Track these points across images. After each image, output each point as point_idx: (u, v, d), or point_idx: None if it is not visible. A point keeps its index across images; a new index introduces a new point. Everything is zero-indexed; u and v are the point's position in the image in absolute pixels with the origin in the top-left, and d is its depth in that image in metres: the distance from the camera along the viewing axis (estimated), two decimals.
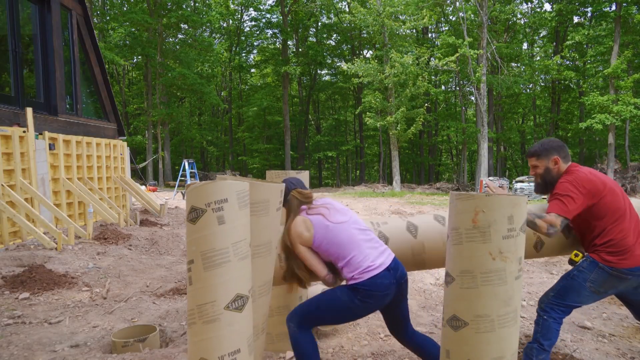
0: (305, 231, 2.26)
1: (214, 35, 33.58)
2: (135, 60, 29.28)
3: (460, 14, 22.26)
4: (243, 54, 35.00)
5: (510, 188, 19.24)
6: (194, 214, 1.78)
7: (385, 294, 2.19)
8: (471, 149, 32.47)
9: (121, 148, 9.75)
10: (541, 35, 29.14)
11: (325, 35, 34.41)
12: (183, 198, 15.39)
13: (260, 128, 35.10)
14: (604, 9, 21.37)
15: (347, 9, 30.65)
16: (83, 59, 8.97)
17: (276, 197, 2.13)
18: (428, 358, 2.40)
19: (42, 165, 6.91)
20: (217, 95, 31.76)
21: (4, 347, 2.96)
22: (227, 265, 1.77)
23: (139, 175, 22.39)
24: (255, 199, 2.02)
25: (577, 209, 2.35)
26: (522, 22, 26.85)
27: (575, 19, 26.66)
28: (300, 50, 32.44)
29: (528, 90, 30.20)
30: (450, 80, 32.32)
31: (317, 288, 3.33)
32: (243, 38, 34.05)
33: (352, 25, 26.61)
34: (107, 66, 25.55)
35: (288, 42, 31.28)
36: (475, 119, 28.00)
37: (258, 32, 33.03)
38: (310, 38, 34.34)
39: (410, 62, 20.47)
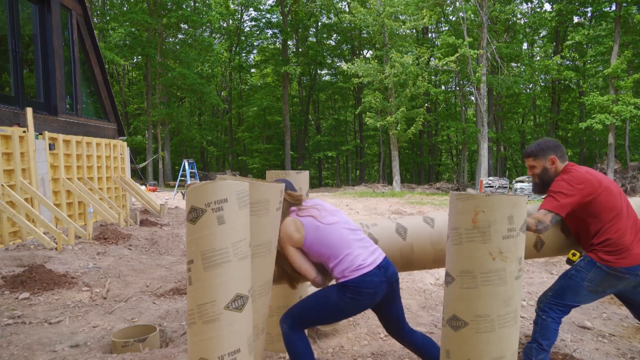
0: (295, 232, 2.26)
1: (214, 35, 33.59)
2: (135, 60, 29.28)
3: (460, 14, 22.27)
4: (243, 54, 35.02)
5: (510, 188, 19.24)
6: (194, 214, 1.78)
7: (375, 292, 2.19)
8: (471, 149, 32.48)
9: (121, 148, 9.75)
10: (541, 35, 29.15)
11: (325, 35, 34.42)
12: (183, 198, 15.39)
13: (260, 128, 35.11)
14: (604, 9, 21.38)
15: (347, 9, 30.65)
16: (83, 59, 8.97)
17: (276, 197, 2.13)
18: (427, 358, 2.40)
19: (42, 165, 6.91)
20: (217, 95, 31.76)
21: (4, 347, 2.96)
22: (227, 265, 1.77)
23: (139, 175, 22.39)
24: (255, 198, 2.02)
25: (569, 204, 2.36)
26: (522, 22, 26.87)
27: (575, 19, 26.69)
28: (300, 50, 32.44)
29: (528, 90, 30.21)
30: (450, 80, 32.33)
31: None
32: (243, 38, 34.06)
33: (352, 25, 26.61)
34: (107, 66, 25.55)
35: (288, 42, 31.30)
36: (475, 119, 28.00)
37: (258, 32, 33.05)
38: (310, 38, 34.36)
39: (410, 62, 20.47)
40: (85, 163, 8.16)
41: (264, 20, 32.15)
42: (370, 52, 30.71)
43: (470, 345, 1.99)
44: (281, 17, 29.67)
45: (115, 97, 20.37)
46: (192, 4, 29.54)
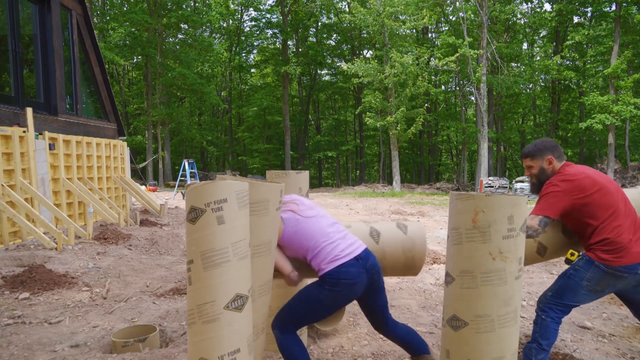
0: None
1: (214, 35, 33.59)
2: (135, 60, 29.29)
3: (460, 14, 22.26)
4: (243, 54, 35.02)
5: (510, 188, 19.24)
6: (194, 214, 1.78)
7: (353, 282, 2.18)
8: (471, 149, 32.48)
9: (121, 148, 9.75)
10: (541, 35, 29.15)
11: (325, 35, 34.42)
12: (183, 198, 15.39)
13: (260, 128, 35.12)
14: (604, 9, 21.39)
15: (347, 9, 30.65)
16: (83, 59, 8.97)
17: (276, 196, 2.13)
18: (410, 348, 2.45)
19: (42, 165, 6.91)
20: (217, 95, 31.76)
21: (4, 347, 2.96)
22: (227, 265, 1.77)
23: (139, 175, 22.39)
24: (254, 198, 2.02)
25: (557, 205, 2.37)
26: (522, 22, 26.87)
27: (575, 19, 26.69)
28: (300, 50, 32.44)
29: (528, 90, 30.21)
30: (450, 80, 32.33)
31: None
32: (243, 38, 34.06)
33: (352, 25, 26.61)
34: (107, 66, 25.56)
35: (288, 42, 31.30)
36: (475, 119, 28.01)
37: (258, 32, 33.05)
38: (310, 38, 34.35)
39: (410, 62, 20.47)
40: (85, 163, 8.16)
41: (264, 20, 32.17)
42: (370, 52, 30.72)
43: (470, 345, 1.99)
44: (281, 17, 29.67)
45: (115, 97, 20.38)
46: (192, 4, 29.54)
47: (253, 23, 33.26)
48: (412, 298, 4.26)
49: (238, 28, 34.05)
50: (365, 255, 2.27)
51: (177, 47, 28.06)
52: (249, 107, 32.41)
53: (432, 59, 24.67)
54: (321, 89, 35.31)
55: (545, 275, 5.25)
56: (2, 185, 5.87)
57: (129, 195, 9.92)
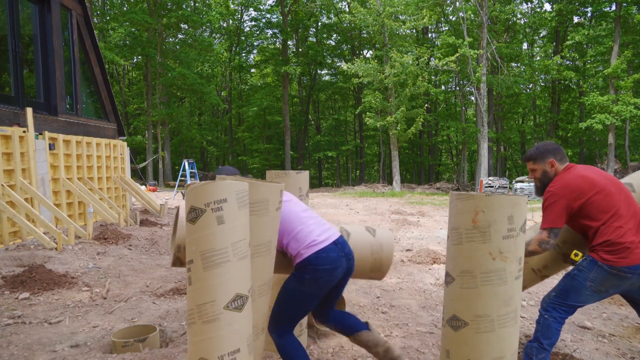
0: None
1: (214, 35, 33.59)
2: (135, 60, 29.29)
3: (460, 14, 22.27)
4: (243, 54, 35.02)
5: (510, 188, 19.25)
6: (194, 214, 1.78)
7: (334, 267, 2.18)
8: (471, 149, 32.48)
9: (121, 148, 9.75)
10: (541, 35, 29.16)
11: (325, 35, 34.42)
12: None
13: (260, 128, 35.11)
14: (604, 9, 21.39)
15: (347, 9, 30.65)
16: (83, 59, 8.97)
17: (276, 196, 2.13)
18: (347, 329, 2.46)
19: (42, 165, 6.91)
20: (217, 95, 31.77)
21: (4, 347, 2.96)
22: (227, 265, 1.77)
23: (139, 175, 22.39)
24: (254, 198, 2.02)
25: (562, 213, 2.41)
26: (522, 22, 26.87)
27: (575, 19, 26.69)
28: (300, 50, 32.44)
29: (528, 90, 30.21)
30: (450, 80, 32.33)
31: None
32: (243, 38, 34.05)
33: (352, 25, 26.61)
34: (107, 66, 25.56)
35: (288, 42, 31.29)
36: (475, 119, 28.01)
37: (258, 32, 33.04)
38: (310, 38, 34.35)
39: (410, 62, 20.47)
40: (85, 163, 8.16)
41: (264, 20, 32.16)
42: (370, 52, 30.72)
43: (470, 345, 1.99)
44: (281, 17, 29.67)
45: (115, 97, 20.37)
46: (192, 4, 29.54)
47: (253, 23, 33.29)
48: (412, 298, 4.26)
49: (238, 28, 34.04)
50: (342, 241, 2.28)
51: (177, 47, 28.05)
52: (249, 107, 32.40)
53: (432, 59, 24.66)
54: (321, 89, 35.30)
55: None
56: (2, 185, 5.87)
57: (129, 195, 9.92)
